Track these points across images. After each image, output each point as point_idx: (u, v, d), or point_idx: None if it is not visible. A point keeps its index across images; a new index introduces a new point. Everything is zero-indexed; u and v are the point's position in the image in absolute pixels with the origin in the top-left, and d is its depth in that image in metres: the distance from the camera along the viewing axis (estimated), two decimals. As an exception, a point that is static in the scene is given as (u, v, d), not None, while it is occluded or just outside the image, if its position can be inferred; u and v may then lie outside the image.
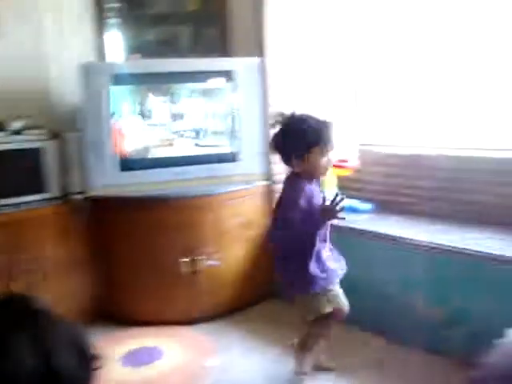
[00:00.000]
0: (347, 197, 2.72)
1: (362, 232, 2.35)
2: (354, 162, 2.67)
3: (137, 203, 2.53)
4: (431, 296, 2.10)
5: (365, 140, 2.99)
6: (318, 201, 1.84)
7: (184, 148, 2.70)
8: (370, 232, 2.32)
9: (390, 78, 2.84)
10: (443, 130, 2.60)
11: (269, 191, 2.68)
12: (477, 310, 1.94)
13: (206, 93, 2.77)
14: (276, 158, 2.57)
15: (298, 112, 1.85)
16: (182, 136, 2.71)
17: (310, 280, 1.86)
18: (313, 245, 1.84)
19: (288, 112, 1.85)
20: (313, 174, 1.88)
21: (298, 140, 1.79)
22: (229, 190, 2.62)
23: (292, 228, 1.78)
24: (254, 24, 2.68)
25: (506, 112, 2.33)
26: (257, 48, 2.67)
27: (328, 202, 1.79)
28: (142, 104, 2.67)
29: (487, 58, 2.37)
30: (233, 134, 2.71)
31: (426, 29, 2.58)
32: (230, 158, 2.69)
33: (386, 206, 2.67)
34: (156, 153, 2.68)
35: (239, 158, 2.68)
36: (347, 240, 2.37)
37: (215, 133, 2.78)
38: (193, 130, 2.73)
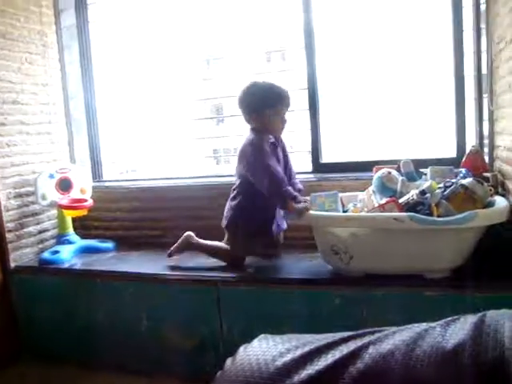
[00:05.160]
0: (87, 237, 2.69)
1: (104, 273, 2.29)
2: (88, 201, 2.60)
3: None
4: (182, 327, 2.16)
5: (99, 177, 2.98)
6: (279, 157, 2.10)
7: None
8: (112, 272, 2.29)
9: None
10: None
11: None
12: (225, 331, 2.06)
13: None
14: (5, 204, 2.40)
15: (265, 79, 2.13)
16: None
17: None
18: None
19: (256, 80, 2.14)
20: (268, 130, 2.08)
21: (257, 98, 2.06)
22: None
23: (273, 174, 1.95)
24: None
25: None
26: None
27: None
28: None
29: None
30: None
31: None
32: None
33: (128, 241, 2.70)
34: None
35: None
36: (89, 284, 2.32)
37: None
38: None
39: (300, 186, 2.22)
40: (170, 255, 2.27)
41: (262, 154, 1.99)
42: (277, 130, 2.12)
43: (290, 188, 1.97)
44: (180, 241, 2.28)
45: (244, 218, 2.13)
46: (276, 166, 1.99)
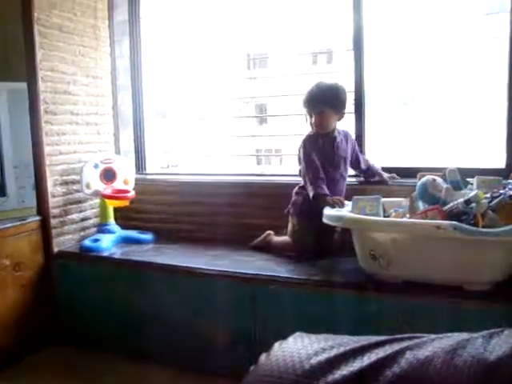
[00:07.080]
0: (127, 228, 2.74)
1: (143, 264, 2.34)
2: (131, 192, 2.65)
3: None
4: (215, 321, 2.17)
5: (142, 169, 3.03)
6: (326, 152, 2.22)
7: None
8: (151, 263, 2.33)
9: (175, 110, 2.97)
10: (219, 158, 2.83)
11: (44, 227, 2.49)
12: (259, 328, 2.07)
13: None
14: (51, 191, 2.48)
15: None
16: None
17: None
18: None
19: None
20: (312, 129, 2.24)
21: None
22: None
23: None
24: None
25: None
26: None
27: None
28: None
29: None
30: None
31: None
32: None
33: (166, 234, 2.74)
34: None
35: (6, 192, 2.44)
36: (127, 273, 2.37)
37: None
38: None
39: (370, 164, 2.39)
40: (250, 247, 2.43)
41: (305, 152, 2.21)
42: (313, 128, 2.23)
43: (321, 185, 2.13)
44: (261, 238, 2.43)
45: (298, 201, 2.26)
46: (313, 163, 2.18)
